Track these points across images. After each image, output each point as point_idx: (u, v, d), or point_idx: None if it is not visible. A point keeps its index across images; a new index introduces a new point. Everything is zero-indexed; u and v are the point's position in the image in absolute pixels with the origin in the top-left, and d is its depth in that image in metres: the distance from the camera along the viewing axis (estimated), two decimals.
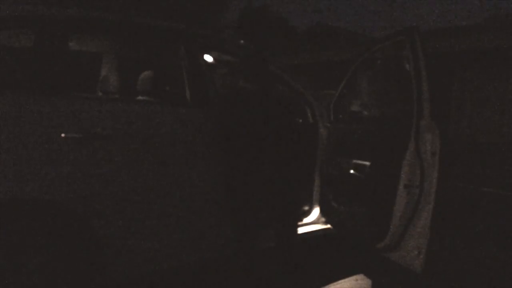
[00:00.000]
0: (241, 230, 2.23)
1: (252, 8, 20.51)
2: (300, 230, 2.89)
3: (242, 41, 2.89)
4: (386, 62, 3.18)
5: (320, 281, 2.80)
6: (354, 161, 2.97)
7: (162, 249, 2.26)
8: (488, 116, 8.00)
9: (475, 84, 8.31)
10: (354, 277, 2.89)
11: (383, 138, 2.73)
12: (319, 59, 11.59)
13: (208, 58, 3.28)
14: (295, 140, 2.30)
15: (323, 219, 3.20)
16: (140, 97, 2.69)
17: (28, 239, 1.88)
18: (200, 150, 2.31)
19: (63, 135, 1.91)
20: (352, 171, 2.99)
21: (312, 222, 3.18)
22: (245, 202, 2.17)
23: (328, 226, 3.16)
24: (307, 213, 3.18)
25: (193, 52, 2.43)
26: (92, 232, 2.02)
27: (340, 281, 2.83)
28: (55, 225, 1.95)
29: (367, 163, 2.82)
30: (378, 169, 2.73)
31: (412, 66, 2.41)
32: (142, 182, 2.14)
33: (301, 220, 3.10)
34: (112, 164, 2.05)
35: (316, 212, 3.20)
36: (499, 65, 7.89)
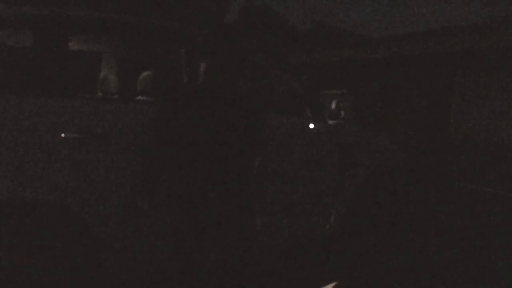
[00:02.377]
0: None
1: (252, 7, 20.50)
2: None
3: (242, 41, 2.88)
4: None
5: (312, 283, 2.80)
6: None
7: (162, 249, 2.26)
8: (489, 116, 8.00)
9: (475, 84, 8.31)
10: (340, 281, 2.86)
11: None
12: (319, 59, 11.60)
13: None
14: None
15: None
16: (140, 97, 2.69)
17: (28, 240, 1.88)
18: None
19: (63, 135, 1.91)
20: None
21: None
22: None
23: None
24: None
25: (193, 52, 2.43)
26: (92, 233, 2.02)
27: (331, 284, 2.81)
28: (54, 225, 1.95)
29: None
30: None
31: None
32: None
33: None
34: (112, 164, 2.05)
35: None
36: (499, 65, 7.89)
